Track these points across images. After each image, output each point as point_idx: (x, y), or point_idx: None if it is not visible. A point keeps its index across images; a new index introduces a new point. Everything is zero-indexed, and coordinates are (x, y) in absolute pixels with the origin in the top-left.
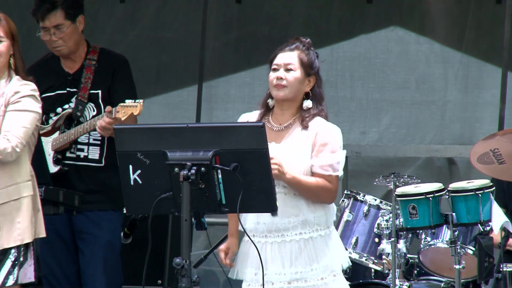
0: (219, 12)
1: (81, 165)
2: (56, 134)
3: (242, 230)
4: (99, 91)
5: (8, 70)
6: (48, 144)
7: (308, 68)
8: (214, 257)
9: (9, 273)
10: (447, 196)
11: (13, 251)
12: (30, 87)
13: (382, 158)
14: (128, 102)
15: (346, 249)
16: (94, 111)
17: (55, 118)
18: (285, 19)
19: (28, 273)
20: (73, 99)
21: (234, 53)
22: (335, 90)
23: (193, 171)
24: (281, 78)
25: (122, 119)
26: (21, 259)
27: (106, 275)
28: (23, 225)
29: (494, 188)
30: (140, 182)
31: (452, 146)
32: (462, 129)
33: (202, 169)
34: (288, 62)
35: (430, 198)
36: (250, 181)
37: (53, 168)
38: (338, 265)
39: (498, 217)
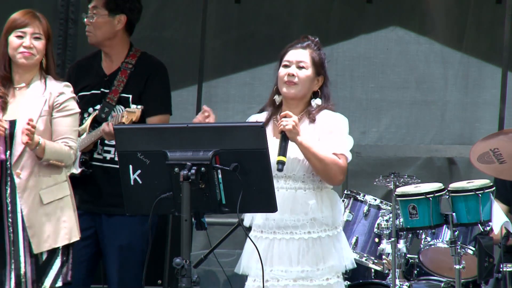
0: (219, 12)
1: (108, 167)
2: (84, 135)
3: (244, 231)
4: (130, 96)
5: (40, 69)
6: None
7: (319, 68)
8: (214, 257)
9: (58, 274)
10: (447, 196)
11: (60, 250)
12: (70, 88)
13: (382, 158)
14: (133, 107)
15: None
16: None
17: (88, 118)
18: (285, 19)
19: (69, 274)
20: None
21: (234, 53)
22: (335, 90)
23: (193, 171)
24: (293, 75)
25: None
26: (64, 258)
27: (129, 276)
28: (69, 223)
29: (494, 188)
30: (140, 182)
31: (452, 146)
32: (462, 129)
33: (202, 169)
34: (301, 59)
35: (430, 198)
36: (250, 181)
37: (76, 169)
38: (342, 266)
39: (498, 217)
